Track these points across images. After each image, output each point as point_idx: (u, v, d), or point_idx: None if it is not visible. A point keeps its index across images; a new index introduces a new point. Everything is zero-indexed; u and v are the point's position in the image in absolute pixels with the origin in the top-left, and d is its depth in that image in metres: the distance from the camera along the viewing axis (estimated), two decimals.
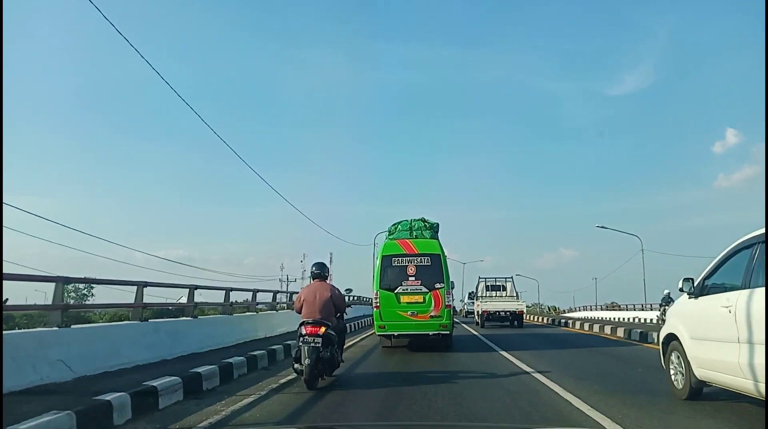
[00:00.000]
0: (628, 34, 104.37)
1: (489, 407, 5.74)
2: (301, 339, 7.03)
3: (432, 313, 11.49)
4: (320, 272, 7.86)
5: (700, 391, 5.79)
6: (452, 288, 12.38)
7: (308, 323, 7.15)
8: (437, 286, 11.60)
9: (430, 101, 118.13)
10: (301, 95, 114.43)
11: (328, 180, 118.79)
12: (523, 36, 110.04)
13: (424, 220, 12.64)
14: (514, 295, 26.37)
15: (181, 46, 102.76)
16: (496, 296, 26.33)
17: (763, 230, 4.94)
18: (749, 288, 4.80)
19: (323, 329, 7.05)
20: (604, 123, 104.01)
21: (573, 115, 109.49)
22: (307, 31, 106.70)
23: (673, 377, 6.26)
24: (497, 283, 27.43)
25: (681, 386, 6.02)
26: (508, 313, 23.89)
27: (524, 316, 25.25)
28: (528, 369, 8.58)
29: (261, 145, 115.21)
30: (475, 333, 19.13)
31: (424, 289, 11.60)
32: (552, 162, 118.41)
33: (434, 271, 11.70)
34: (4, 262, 5.41)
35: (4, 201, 5.59)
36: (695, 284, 5.88)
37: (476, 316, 25.90)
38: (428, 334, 11.66)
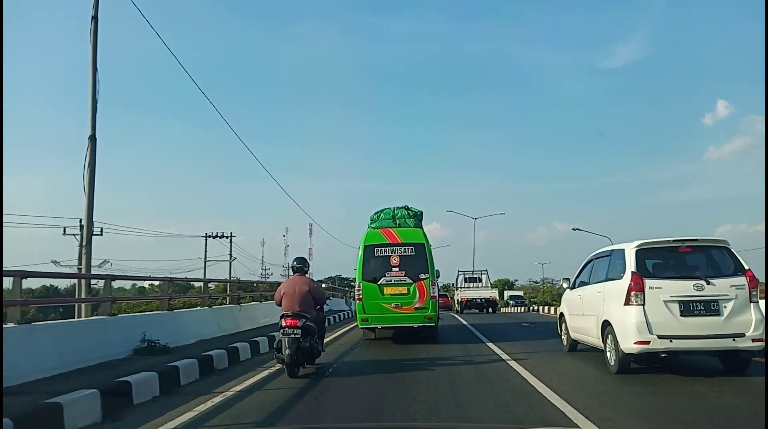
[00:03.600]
0: (621, 6, 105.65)
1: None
2: (282, 331, 7.49)
3: (416, 305, 11.47)
4: (300, 266, 8.34)
5: (575, 347, 9.77)
6: (438, 277, 12.36)
7: (288, 316, 7.61)
8: (422, 276, 11.54)
9: (424, 75, 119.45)
10: (295, 70, 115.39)
11: (321, 153, 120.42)
12: (515, 9, 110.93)
13: (407, 208, 12.52)
14: (489, 285, 31.48)
15: (171, 19, 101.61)
16: (473, 286, 30.98)
17: (598, 251, 9.01)
18: (587, 285, 8.85)
19: (302, 321, 7.53)
20: (596, 96, 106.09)
21: (566, 88, 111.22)
22: (299, 5, 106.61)
23: (562, 339, 10.33)
24: (474, 276, 32.26)
25: (565, 344, 10.07)
26: (483, 300, 28.65)
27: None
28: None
29: (253, 119, 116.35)
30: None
31: (408, 280, 11.54)
32: (545, 134, 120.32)
33: (419, 262, 11.62)
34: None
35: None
36: (571, 282, 9.83)
37: (456, 304, 30.79)
38: (413, 326, 11.71)
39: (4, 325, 6.34)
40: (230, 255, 46.03)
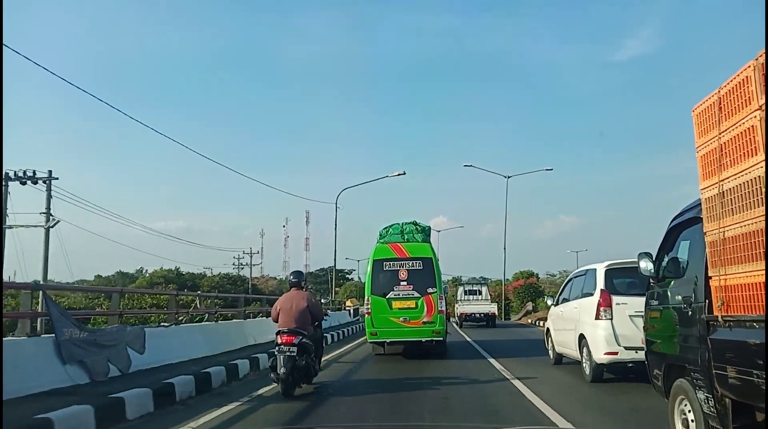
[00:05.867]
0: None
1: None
2: (277, 348, 7.37)
3: (424, 319, 11.77)
4: (297, 281, 8.23)
5: (561, 360, 10.72)
6: (445, 293, 12.83)
7: (284, 333, 7.46)
8: (429, 291, 11.86)
9: (429, 69, 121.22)
10: (300, 64, 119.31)
11: (327, 148, 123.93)
12: (522, 2, 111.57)
13: (415, 224, 12.87)
14: (488, 298, 31.45)
15: (176, 11, 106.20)
16: (473, 300, 30.84)
17: (576, 270, 10.25)
18: (568, 301, 9.83)
19: (298, 338, 7.41)
20: (604, 90, 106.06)
21: (574, 82, 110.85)
22: None
23: (549, 353, 11.26)
24: (474, 289, 32.54)
25: (552, 357, 11.02)
26: (482, 315, 28.69)
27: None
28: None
29: (260, 112, 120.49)
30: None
31: (417, 295, 11.84)
32: (552, 128, 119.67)
33: (426, 276, 11.93)
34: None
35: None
36: (555, 299, 11.05)
37: (455, 318, 30.67)
38: (421, 340, 11.98)
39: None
40: (48, 214, 25.10)
